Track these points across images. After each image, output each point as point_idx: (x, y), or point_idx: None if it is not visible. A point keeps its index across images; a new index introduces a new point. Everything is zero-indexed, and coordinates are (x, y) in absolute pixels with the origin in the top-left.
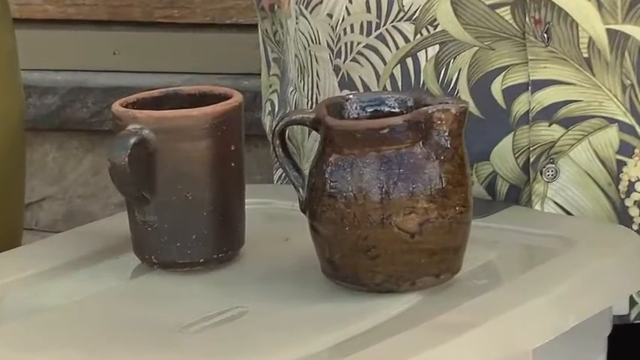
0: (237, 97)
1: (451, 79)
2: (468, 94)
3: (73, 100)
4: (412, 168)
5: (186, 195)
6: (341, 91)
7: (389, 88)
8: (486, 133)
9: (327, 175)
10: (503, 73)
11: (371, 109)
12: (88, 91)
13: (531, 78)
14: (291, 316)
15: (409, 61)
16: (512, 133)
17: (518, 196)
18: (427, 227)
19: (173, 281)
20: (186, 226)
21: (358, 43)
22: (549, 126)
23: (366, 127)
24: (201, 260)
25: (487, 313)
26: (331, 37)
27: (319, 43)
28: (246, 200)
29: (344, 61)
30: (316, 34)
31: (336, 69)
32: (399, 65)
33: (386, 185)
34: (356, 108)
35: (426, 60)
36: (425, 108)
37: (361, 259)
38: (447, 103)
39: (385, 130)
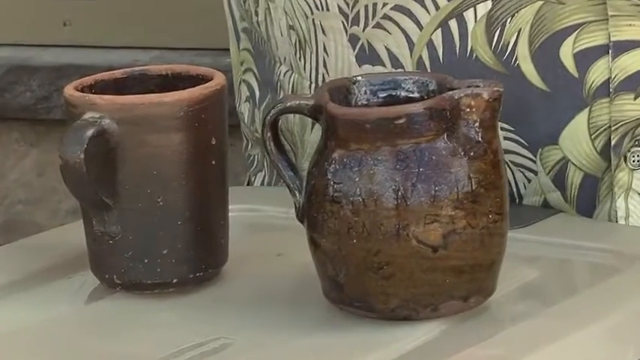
0: (218, 79)
1: (508, 43)
2: (530, 60)
3: (14, 82)
4: (435, 166)
5: (156, 200)
6: (360, 67)
7: (426, 59)
8: (554, 110)
9: (329, 176)
10: (576, 32)
11: (384, 94)
12: (33, 70)
13: (612, 39)
14: (285, 350)
15: (452, 23)
16: (588, 108)
17: (595, 188)
18: (453, 240)
19: (140, 306)
20: (156, 239)
21: (384, 4)
22: (635, 99)
23: (378, 115)
24: (175, 280)
25: (525, 346)
26: (345, 1)
27: (327, 9)
28: (230, 207)
29: (364, 29)
30: None
31: (353, 39)
32: (439, 29)
33: (402, 188)
34: (365, 92)
35: (475, 20)
36: (450, 92)
37: (372, 279)
38: (477, 86)
39: (401, 120)
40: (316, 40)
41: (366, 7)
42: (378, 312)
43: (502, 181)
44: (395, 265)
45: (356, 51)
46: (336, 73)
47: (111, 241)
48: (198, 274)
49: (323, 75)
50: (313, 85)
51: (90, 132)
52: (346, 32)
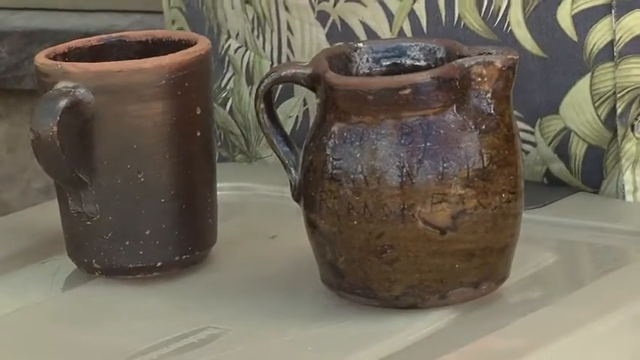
0: (202, 44)
1: (499, 8)
2: (524, 25)
3: None
4: (443, 141)
5: (137, 176)
6: (331, 45)
7: (407, 31)
8: (552, 77)
9: (328, 151)
10: None
11: (388, 62)
12: (2, 36)
13: None
14: (279, 341)
15: None
16: (590, 74)
17: (601, 159)
18: (463, 221)
19: (121, 293)
20: (138, 219)
21: None
22: None
23: (382, 86)
24: (159, 264)
25: (542, 336)
26: None
27: None
28: (218, 184)
29: (335, 4)
30: None
31: (323, 16)
32: None
33: (407, 165)
34: (367, 60)
35: None
36: (460, 60)
37: (374, 264)
38: (489, 53)
39: (407, 91)
40: (278, 17)
41: None
42: (380, 300)
43: (516, 156)
44: (399, 249)
45: (326, 29)
46: (303, 54)
47: (88, 222)
48: (184, 257)
49: (287, 55)
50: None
51: (63, 103)
52: (313, 10)
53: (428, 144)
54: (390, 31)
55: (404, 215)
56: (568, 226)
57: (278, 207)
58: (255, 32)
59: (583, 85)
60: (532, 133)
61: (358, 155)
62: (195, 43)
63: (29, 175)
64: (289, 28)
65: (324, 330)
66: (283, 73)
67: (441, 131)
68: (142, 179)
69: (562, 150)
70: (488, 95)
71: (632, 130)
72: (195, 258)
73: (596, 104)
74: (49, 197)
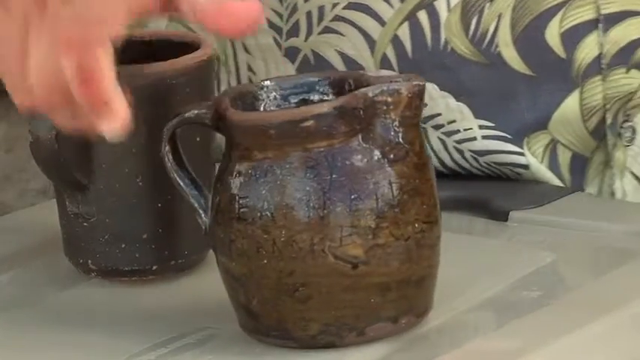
0: (206, 49)
1: (487, 31)
2: (513, 46)
3: None
4: (349, 173)
5: (135, 179)
6: None
7: (391, 56)
8: (541, 95)
9: (234, 190)
10: (562, 10)
11: (296, 99)
12: None
13: (603, 12)
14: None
15: (422, 14)
16: (579, 90)
17: (584, 167)
18: (375, 254)
19: (117, 294)
20: (135, 222)
21: (334, 5)
22: (627, 72)
23: (282, 119)
24: (155, 267)
25: (540, 336)
26: (277, 12)
27: None
28: None
29: (307, 38)
30: None
31: (292, 52)
32: (405, 23)
33: (314, 198)
34: (275, 98)
35: (448, 10)
36: (364, 89)
37: (288, 304)
38: (396, 81)
39: (309, 122)
40: (235, 59)
41: (309, 13)
42: (297, 340)
43: (429, 184)
44: (312, 286)
45: (296, 64)
46: None
47: (85, 224)
48: (180, 261)
49: None
50: None
51: None
52: (280, 47)
53: (334, 176)
54: (372, 57)
55: (313, 251)
56: (566, 226)
57: None
58: None
59: (572, 101)
60: (522, 154)
61: (264, 192)
62: (199, 45)
63: (27, 175)
64: (250, 69)
65: None
66: (187, 115)
67: (347, 162)
68: (140, 183)
69: (554, 163)
70: (396, 124)
71: (620, 137)
72: (191, 262)
73: (586, 117)
74: (48, 198)
